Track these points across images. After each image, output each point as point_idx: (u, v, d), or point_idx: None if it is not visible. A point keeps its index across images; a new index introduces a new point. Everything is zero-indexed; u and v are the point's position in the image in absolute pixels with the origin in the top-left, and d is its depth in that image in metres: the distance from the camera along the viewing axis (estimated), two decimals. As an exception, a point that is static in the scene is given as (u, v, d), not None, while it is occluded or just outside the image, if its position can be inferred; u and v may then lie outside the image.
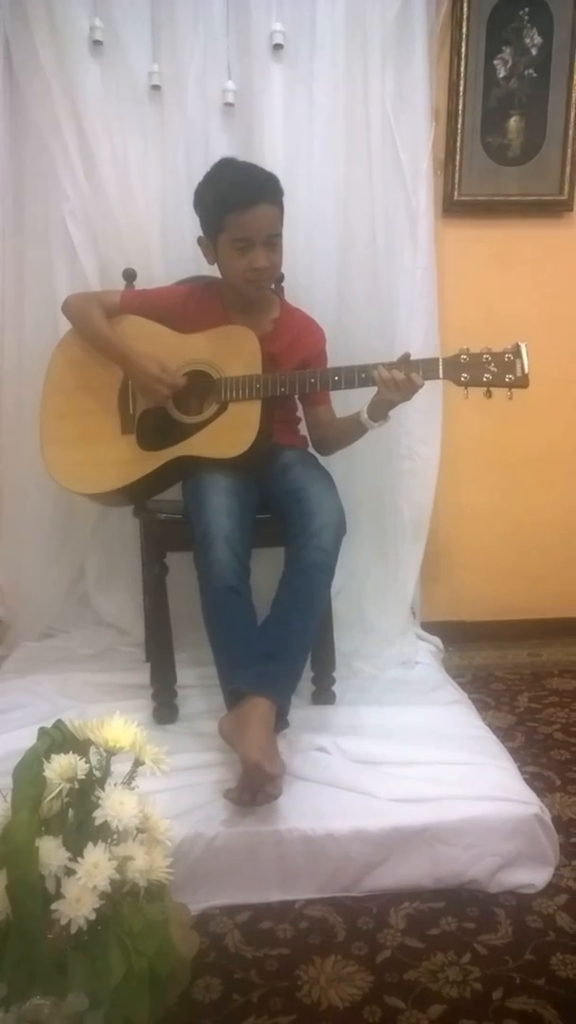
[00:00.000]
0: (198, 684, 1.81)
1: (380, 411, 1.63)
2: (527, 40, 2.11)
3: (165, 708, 1.72)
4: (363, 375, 1.60)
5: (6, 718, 1.71)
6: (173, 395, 1.68)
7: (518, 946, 1.25)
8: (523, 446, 2.34)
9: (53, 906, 0.93)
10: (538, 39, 2.11)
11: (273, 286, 1.87)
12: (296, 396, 1.77)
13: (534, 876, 1.38)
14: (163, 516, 1.72)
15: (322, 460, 1.83)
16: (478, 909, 1.33)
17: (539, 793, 1.47)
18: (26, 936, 0.91)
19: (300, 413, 1.89)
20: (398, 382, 1.55)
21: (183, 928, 1.12)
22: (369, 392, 1.63)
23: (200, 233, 1.72)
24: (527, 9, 2.08)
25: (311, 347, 1.81)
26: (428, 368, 1.56)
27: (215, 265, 1.73)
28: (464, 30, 2.07)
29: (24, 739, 1.30)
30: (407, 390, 1.56)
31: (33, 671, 1.95)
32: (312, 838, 1.35)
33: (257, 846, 1.34)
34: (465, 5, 2.05)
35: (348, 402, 1.80)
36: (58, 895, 0.94)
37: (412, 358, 1.57)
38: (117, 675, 1.94)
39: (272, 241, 1.65)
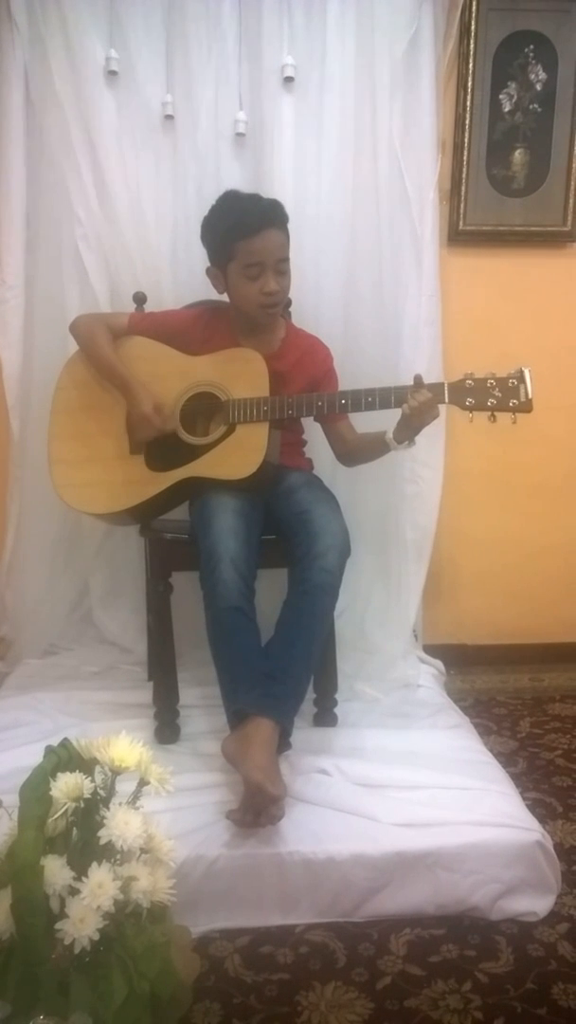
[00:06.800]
0: (200, 704, 1.82)
1: (406, 434, 1.64)
2: (532, 76, 2.16)
3: (167, 727, 1.72)
4: (370, 398, 1.62)
5: (8, 735, 1.72)
6: (160, 435, 1.69)
7: (519, 975, 1.25)
8: (526, 471, 2.35)
9: (57, 925, 0.93)
10: (543, 75, 2.16)
11: (281, 311, 1.89)
12: (313, 417, 1.79)
13: (535, 904, 1.38)
14: (169, 536, 1.73)
15: (327, 482, 1.84)
16: (479, 936, 1.33)
17: (540, 820, 1.47)
18: (30, 955, 0.91)
19: (306, 436, 1.91)
20: (423, 403, 1.56)
21: (184, 951, 1.12)
22: (380, 412, 1.64)
23: (208, 265, 1.74)
24: (532, 46, 2.13)
25: (318, 365, 1.82)
26: (434, 392, 1.57)
27: (224, 295, 1.76)
28: (471, 65, 2.11)
29: (26, 756, 1.31)
30: (433, 411, 1.57)
31: (35, 688, 1.95)
32: (313, 862, 1.35)
33: (258, 869, 1.34)
34: (472, 41, 2.10)
35: (359, 427, 1.82)
36: (62, 914, 0.94)
37: (419, 383, 1.60)
38: (119, 693, 1.94)
39: (281, 267, 1.67)
